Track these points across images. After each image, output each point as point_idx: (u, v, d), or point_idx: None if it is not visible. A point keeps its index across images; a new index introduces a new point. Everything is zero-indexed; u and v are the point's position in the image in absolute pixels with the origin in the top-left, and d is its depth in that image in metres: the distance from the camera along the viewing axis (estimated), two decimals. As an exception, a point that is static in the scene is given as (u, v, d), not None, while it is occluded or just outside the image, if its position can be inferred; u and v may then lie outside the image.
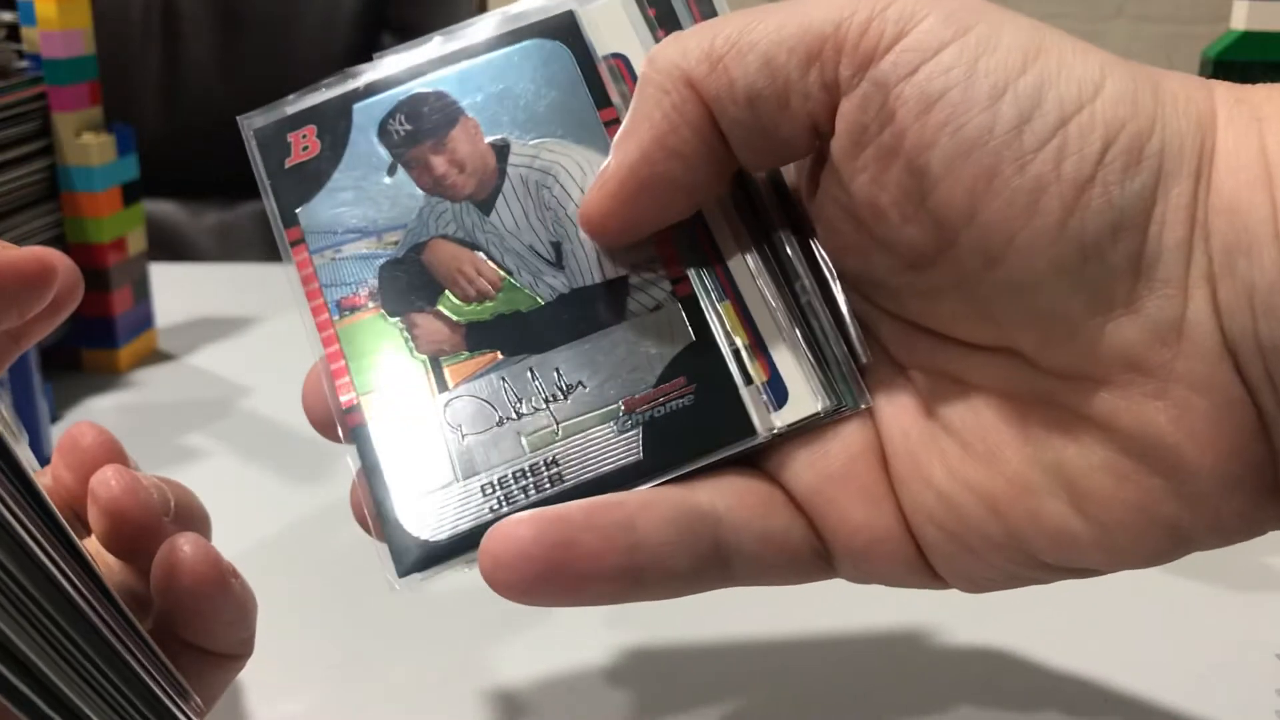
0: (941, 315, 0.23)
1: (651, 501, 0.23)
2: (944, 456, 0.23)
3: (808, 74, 0.22)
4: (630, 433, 0.24)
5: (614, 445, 0.24)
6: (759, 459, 0.25)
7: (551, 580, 0.22)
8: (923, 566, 0.24)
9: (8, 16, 0.56)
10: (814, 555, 0.24)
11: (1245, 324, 0.20)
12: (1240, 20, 0.97)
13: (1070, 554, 0.23)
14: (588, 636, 0.37)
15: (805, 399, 0.24)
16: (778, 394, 0.24)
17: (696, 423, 0.24)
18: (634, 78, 0.26)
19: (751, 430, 0.24)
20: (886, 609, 0.39)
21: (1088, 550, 0.22)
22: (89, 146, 0.58)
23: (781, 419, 0.24)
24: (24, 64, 0.57)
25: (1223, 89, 0.21)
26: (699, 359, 0.25)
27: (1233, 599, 0.40)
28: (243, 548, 0.42)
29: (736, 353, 0.25)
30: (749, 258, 0.25)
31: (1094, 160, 0.20)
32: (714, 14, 0.26)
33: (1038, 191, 0.20)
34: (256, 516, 0.45)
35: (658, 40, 0.26)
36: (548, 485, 0.24)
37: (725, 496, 0.24)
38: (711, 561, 0.23)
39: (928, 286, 0.23)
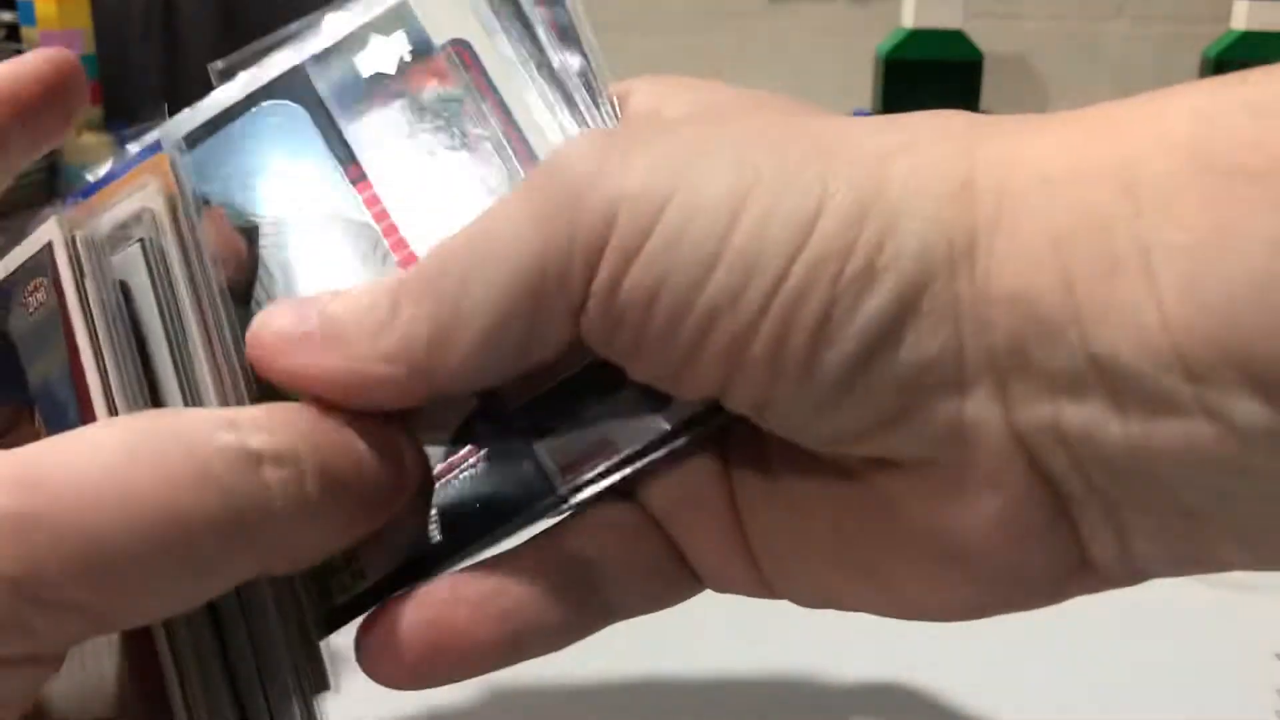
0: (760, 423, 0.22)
1: (518, 561, 0.22)
2: (774, 512, 0.23)
3: (534, 325, 0.20)
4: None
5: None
6: (627, 481, 0.24)
7: (430, 662, 0.22)
8: (769, 589, 0.24)
9: (7, 16, 0.56)
10: (684, 575, 0.24)
11: (1043, 417, 0.19)
12: (1240, 20, 0.97)
13: (871, 611, 0.23)
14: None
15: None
16: None
17: (492, 492, 0.23)
18: (478, 64, 0.24)
19: (552, 491, 0.23)
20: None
21: (887, 611, 0.23)
22: (88, 146, 0.58)
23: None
24: (24, 64, 0.57)
25: (989, 149, 0.19)
26: (486, 421, 0.23)
27: (1233, 599, 0.40)
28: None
29: (528, 406, 0.23)
30: None
31: (824, 299, 0.19)
32: None
33: (777, 348, 0.19)
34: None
35: (500, 20, 0.24)
36: (348, 582, 0.22)
37: (593, 535, 0.23)
38: (589, 606, 0.23)
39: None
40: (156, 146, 0.22)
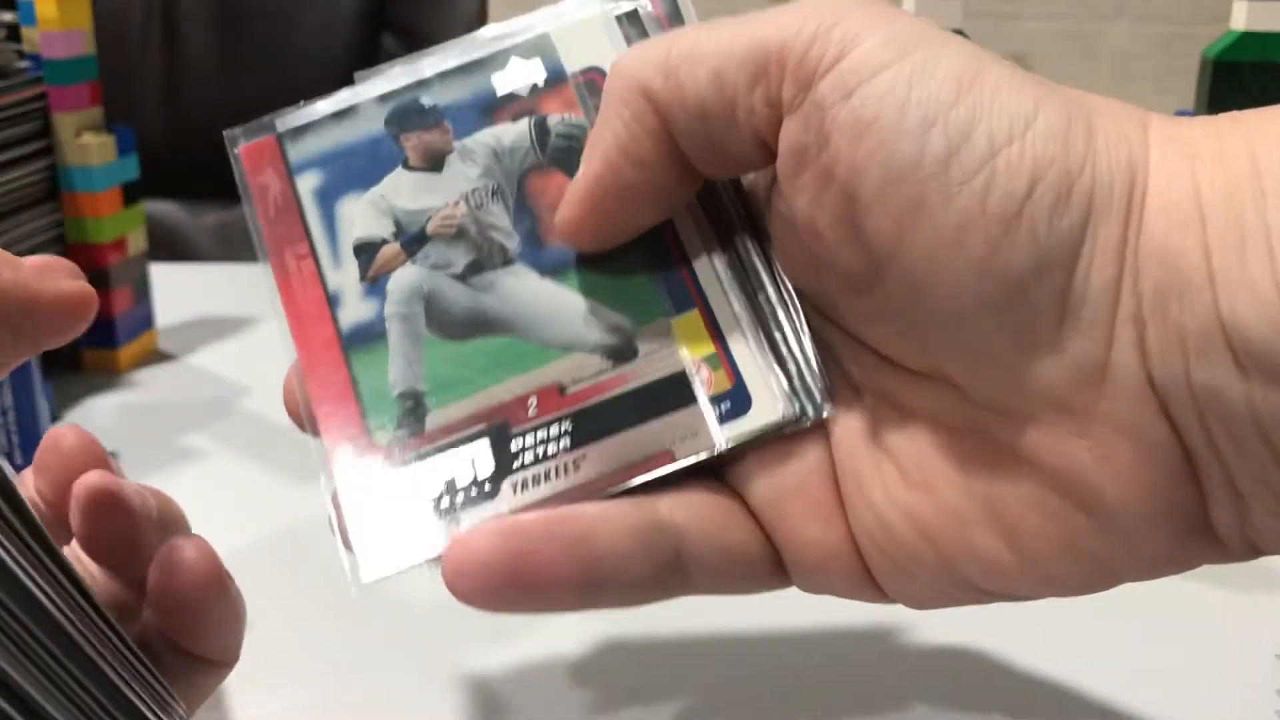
0: (881, 339, 0.23)
1: (610, 514, 0.23)
2: (884, 480, 0.24)
3: (754, 90, 0.22)
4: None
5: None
6: (722, 470, 0.25)
7: (511, 589, 0.22)
8: (870, 583, 0.24)
9: (8, 16, 0.56)
10: (770, 567, 0.25)
11: (1176, 369, 0.20)
12: (1240, 20, 0.97)
13: (1001, 582, 0.23)
14: (579, 632, 0.37)
15: (768, 407, 0.24)
16: (740, 403, 0.24)
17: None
18: None
19: (709, 442, 0.24)
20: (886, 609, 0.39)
21: (1018, 580, 0.23)
22: (89, 146, 0.58)
23: (742, 427, 0.24)
24: (24, 64, 0.57)
25: (1157, 125, 0.21)
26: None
27: (1233, 599, 0.40)
28: (242, 546, 0.42)
29: (701, 362, 0.25)
30: (717, 265, 0.25)
31: (1021, 197, 0.20)
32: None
33: (963, 226, 0.20)
34: (256, 516, 0.45)
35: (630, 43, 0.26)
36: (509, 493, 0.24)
37: (686, 508, 0.24)
38: (671, 571, 0.24)
39: (868, 309, 0.23)
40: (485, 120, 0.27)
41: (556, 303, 0.26)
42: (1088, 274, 0.20)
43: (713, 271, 0.25)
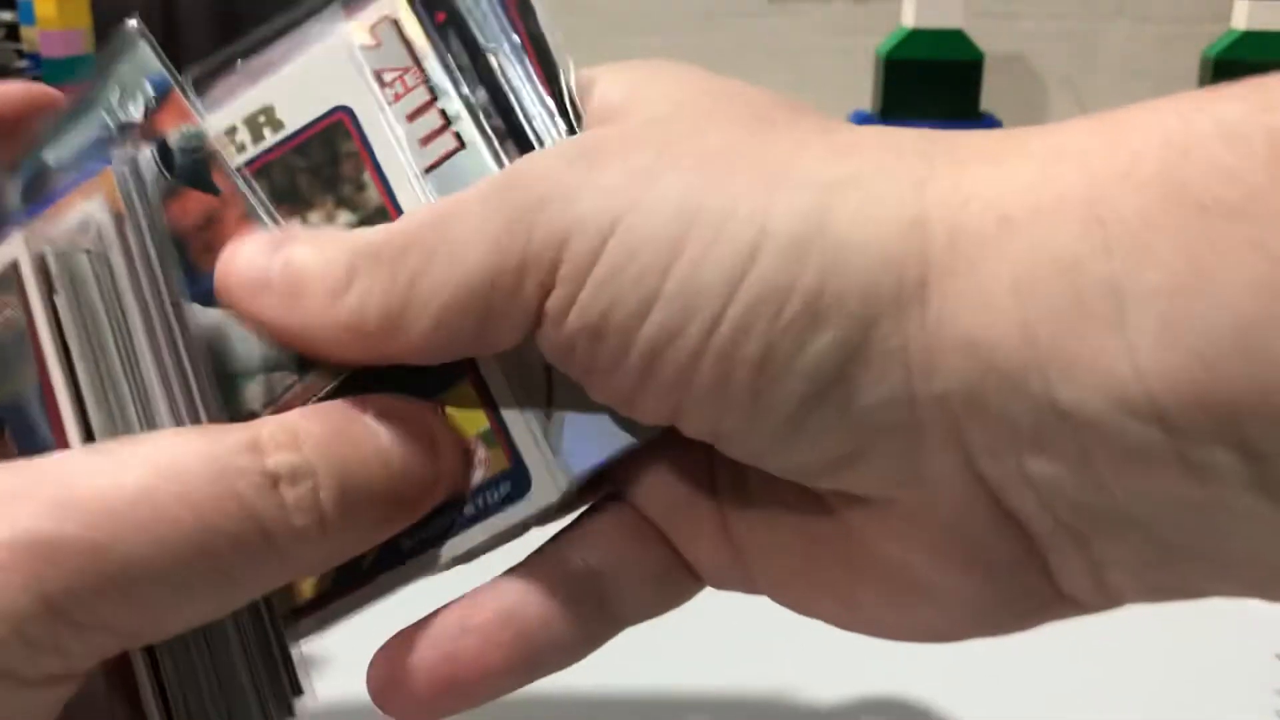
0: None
1: (525, 582, 0.23)
2: (750, 524, 0.23)
3: (484, 326, 0.20)
4: None
5: None
6: (619, 484, 0.24)
7: (445, 696, 0.22)
8: (757, 589, 0.24)
9: (7, 16, 0.56)
10: (686, 575, 0.24)
11: (1007, 465, 0.18)
12: (1241, 20, 0.97)
13: (840, 626, 0.23)
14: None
15: (549, 486, 0.23)
16: (521, 483, 0.23)
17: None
18: (361, 135, 0.23)
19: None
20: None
21: (859, 629, 0.22)
22: (88, 146, 0.58)
23: (520, 514, 0.23)
24: (23, 63, 0.57)
25: (941, 185, 0.18)
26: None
27: (1233, 599, 0.40)
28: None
29: (476, 440, 0.23)
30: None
31: (763, 336, 0.18)
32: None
33: (719, 385, 0.19)
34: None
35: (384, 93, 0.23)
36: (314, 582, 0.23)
37: (594, 544, 0.23)
38: (600, 617, 0.23)
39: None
40: (105, 161, 0.22)
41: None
42: (865, 388, 0.18)
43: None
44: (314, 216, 0.23)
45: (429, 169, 0.23)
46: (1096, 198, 0.17)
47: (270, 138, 0.24)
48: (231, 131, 0.24)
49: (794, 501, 0.22)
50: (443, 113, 0.23)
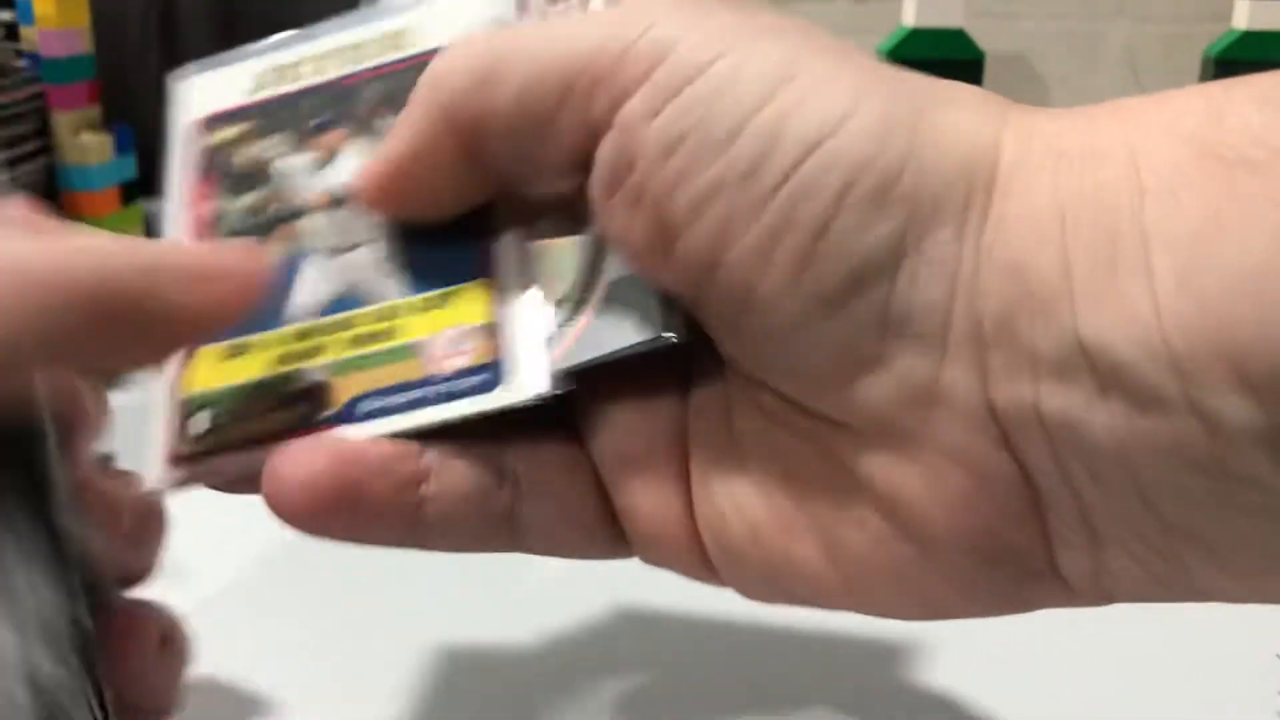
0: (726, 348, 0.22)
1: (452, 457, 0.23)
2: (727, 469, 0.22)
3: (563, 110, 0.21)
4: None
5: None
6: (576, 421, 0.24)
7: (333, 517, 0.22)
8: (706, 565, 0.23)
9: (6, 15, 0.56)
10: (609, 533, 0.24)
11: (1023, 396, 0.18)
12: (1242, 20, 0.97)
13: (822, 599, 0.22)
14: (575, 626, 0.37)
15: (517, 385, 0.23)
16: (496, 377, 0.23)
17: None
18: None
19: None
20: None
21: (840, 598, 0.22)
22: (87, 146, 0.58)
23: (479, 405, 0.23)
24: (22, 63, 0.57)
25: (1017, 119, 0.19)
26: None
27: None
28: (245, 550, 0.42)
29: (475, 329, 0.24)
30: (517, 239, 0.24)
31: (830, 203, 0.18)
32: None
33: (771, 240, 0.19)
34: (258, 517, 0.45)
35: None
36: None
37: (529, 460, 0.23)
38: (501, 525, 0.23)
39: (702, 317, 0.21)
40: None
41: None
42: (910, 289, 0.18)
43: (514, 244, 0.24)
44: None
45: None
46: (1140, 147, 0.18)
47: (397, 54, 0.26)
48: (358, 45, 0.27)
49: (783, 441, 0.22)
50: None
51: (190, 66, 0.28)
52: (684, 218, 0.20)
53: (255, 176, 0.26)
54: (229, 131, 0.27)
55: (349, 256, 0.25)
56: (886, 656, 0.37)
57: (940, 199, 0.18)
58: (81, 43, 0.58)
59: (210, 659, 0.36)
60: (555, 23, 0.22)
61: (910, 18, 0.99)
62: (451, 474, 0.23)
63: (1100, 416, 0.18)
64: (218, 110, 0.28)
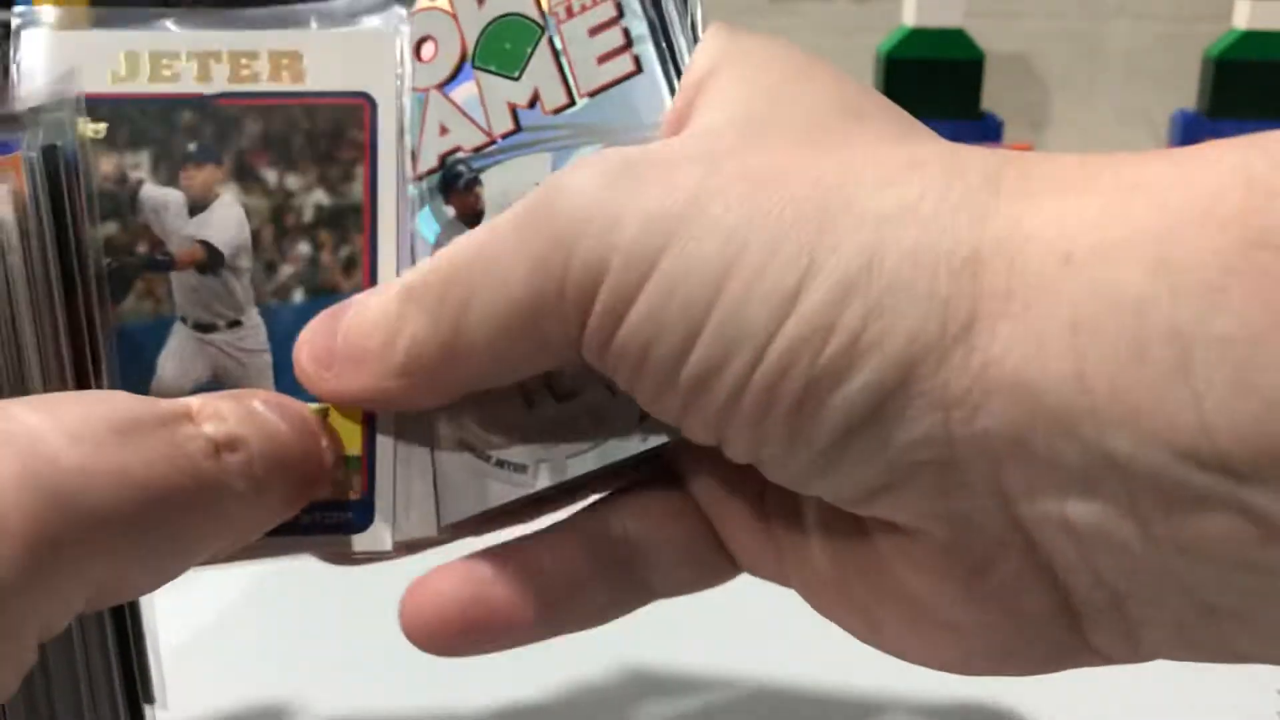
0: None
1: (561, 539, 0.23)
2: (787, 515, 0.23)
3: (538, 347, 0.20)
4: None
5: None
6: (674, 466, 0.24)
7: (469, 636, 0.22)
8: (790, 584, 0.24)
9: (6, 15, 0.56)
10: (722, 559, 0.24)
11: (1048, 511, 0.17)
12: (1242, 19, 0.97)
13: (862, 639, 0.23)
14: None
15: (382, 533, 0.23)
16: (364, 518, 0.23)
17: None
18: (373, 131, 0.23)
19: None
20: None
21: (876, 646, 0.22)
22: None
23: (356, 545, 0.23)
24: (23, 62, 0.57)
25: (1002, 221, 0.17)
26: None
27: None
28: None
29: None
30: None
31: (801, 378, 0.18)
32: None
33: (760, 421, 0.19)
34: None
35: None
36: None
37: (635, 515, 0.23)
38: (629, 586, 0.23)
39: None
40: (11, 147, 0.21)
41: None
42: (902, 427, 0.18)
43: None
44: (292, 180, 0.23)
45: (595, 92, 0.22)
46: (1168, 237, 0.16)
47: (287, 84, 0.23)
48: (251, 56, 0.23)
49: (832, 518, 0.22)
50: (626, 32, 0.22)
51: (45, 7, 0.24)
52: (677, 413, 0.20)
53: (117, 199, 0.23)
54: (88, 125, 0.23)
55: (218, 336, 0.23)
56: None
57: (913, 337, 0.17)
58: (82, 42, 0.58)
59: (216, 666, 0.36)
60: (476, 257, 0.20)
61: (910, 18, 0.99)
62: (565, 556, 0.23)
63: (1136, 526, 0.17)
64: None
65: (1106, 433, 0.16)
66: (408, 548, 0.23)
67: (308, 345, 0.22)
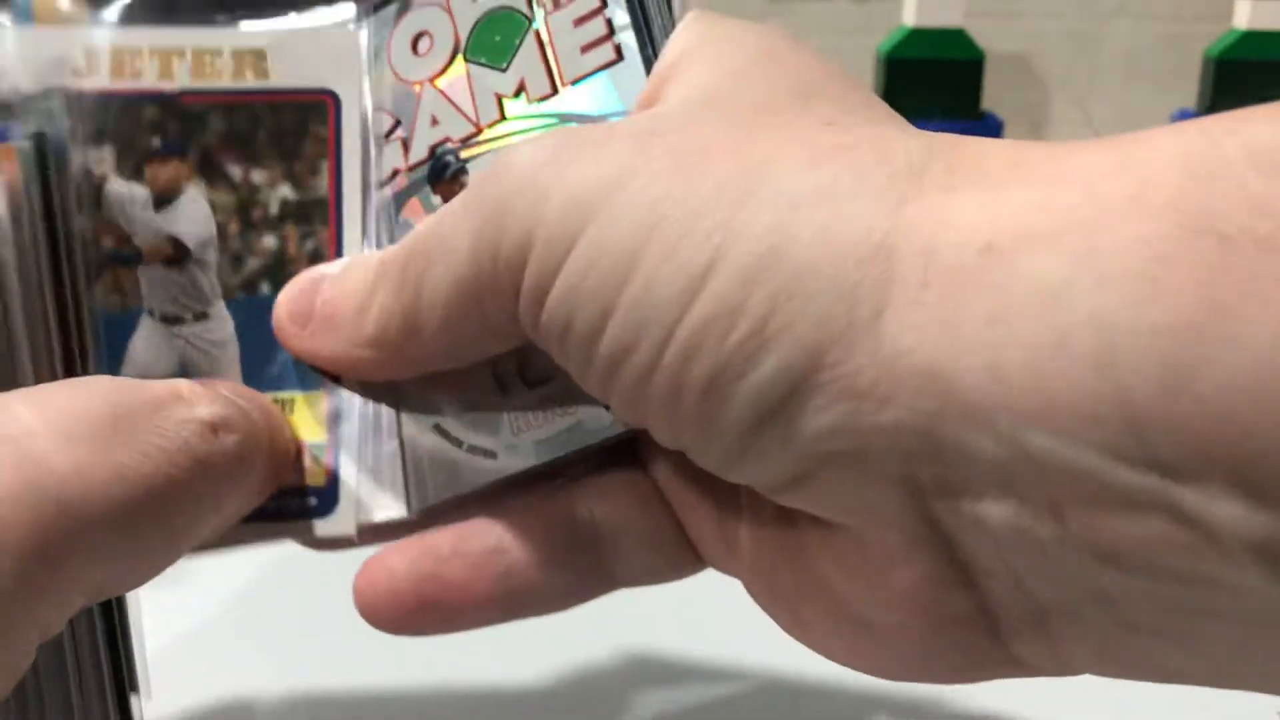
0: None
1: (525, 520, 0.22)
2: (737, 510, 0.23)
3: (485, 324, 0.21)
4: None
5: None
6: (640, 453, 0.24)
7: (422, 615, 0.22)
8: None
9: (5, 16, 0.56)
10: (687, 551, 0.23)
11: (962, 509, 0.17)
12: (1243, 19, 0.97)
13: (804, 644, 0.22)
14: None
15: (348, 514, 0.23)
16: (328, 503, 0.23)
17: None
18: (337, 126, 0.24)
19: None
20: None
21: (810, 647, 0.22)
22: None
23: (320, 530, 0.23)
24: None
25: (919, 207, 0.17)
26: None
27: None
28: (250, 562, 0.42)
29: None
30: None
31: (709, 361, 0.18)
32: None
33: (673, 405, 0.19)
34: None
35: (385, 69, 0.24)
36: None
37: (605, 500, 0.23)
38: (591, 572, 0.23)
39: None
40: (2, 135, 0.21)
41: None
42: (810, 416, 0.17)
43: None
44: (257, 175, 0.23)
45: (577, 80, 0.23)
46: (1095, 225, 0.15)
47: (251, 81, 0.23)
48: (215, 53, 0.23)
49: (761, 507, 0.21)
50: (609, 21, 0.23)
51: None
52: (600, 388, 0.20)
53: (82, 193, 0.23)
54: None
55: (185, 328, 0.23)
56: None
57: (821, 323, 0.17)
58: (80, 42, 0.58)
59: (212, 665, 0.36)
60: (431, 232, 0.21)
61: (910, 18, 0.99)
62: (528, 537, 0.22)
63: (1054, 526, 0.16)
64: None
65: (1023, 427, 0.15)
66: (376, 533, 0.23)
67: (289, 302, 0.23)
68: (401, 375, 0.22)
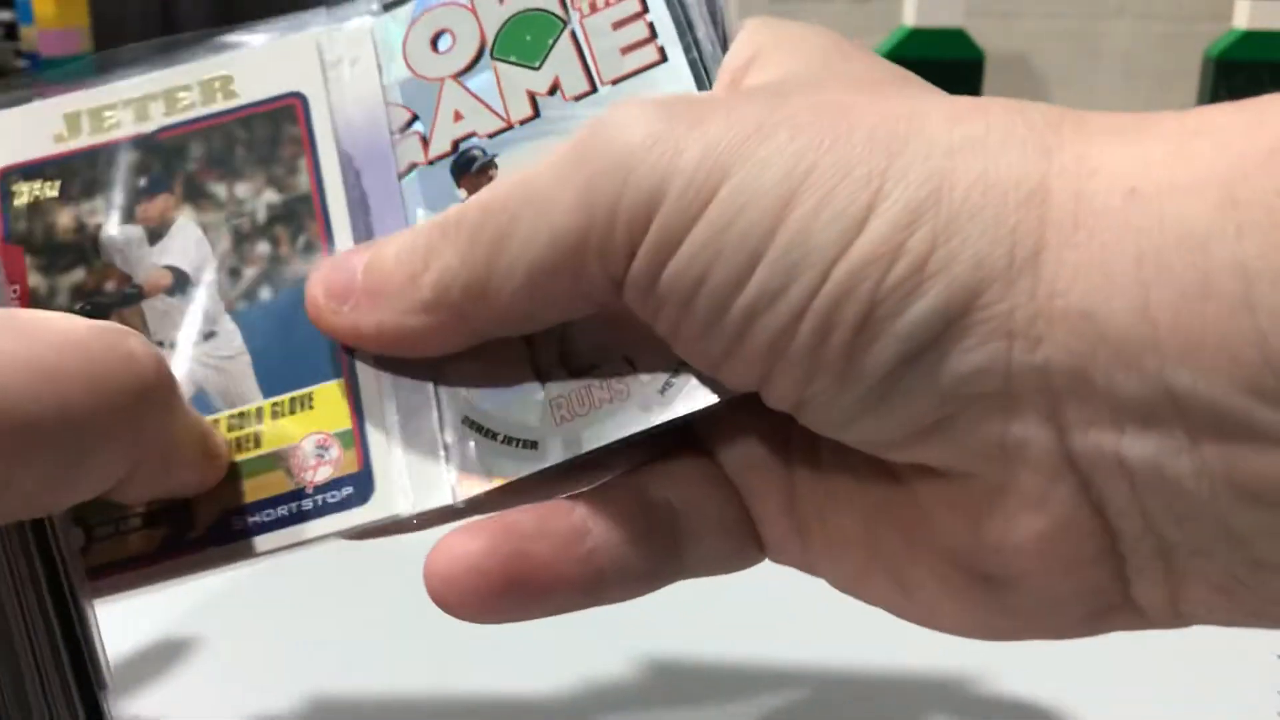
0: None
1: (604, 502, 0.22)
2: (816, 481, 0.23)
3: (578, 284, 0.20)
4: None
5: None
6: (703, 437, 0.23)
7: (508, 596, 0.21)
8: (811, 567, 0.23)
9: (6, 15, 0.56)
10: (754, 539, 0.23)
11: (1104, 445, 0.17)
12: (1242, 19, 0.97)
13: (890, 610, 0.22)
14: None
15: (386, 500, 0.22)
16: (363, 490, 0.22)
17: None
18: (308, 123, 0.24)
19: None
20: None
21: (906, 615, 0.22)
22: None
23: (351, 520, 0.22)
24: (21, 63, 0.57)
25: (1067, 155, 0.18)
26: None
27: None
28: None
29: (332, 437, 0.23)
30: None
31: (867, 301, 0.18)
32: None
33: (815, 350, 0.18)
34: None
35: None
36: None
37: (677, 485, 0.23)
38: (667, 556, 0.22)
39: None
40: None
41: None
42: (961, 355, 0.18)
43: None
44: (241, 188, 0.23)
45: (619, 79, 0.23)
46: (1234, 176, 0.16)
47: (221, 104, 0.24)
48: (185, 89, 0.24)
49: (865, 471, 0.21)
50: (650, 25, 0.23)
51: None
52: (723, 350, 0.19)
53: (80, 247, 0.23)
54: (36, 189, 0.24)
55: (195, 350, 0.23)
56: (885, 648, 0.37)
57: (981, 264, 0.17)
58: (81, 42, 0.58)
59: (209, 662, 0.36)
60: (518, 191, 0.20)
61: (910, 18, 0.99)
62: (609, 518, 0.22)
63: (1191, 462, 0.17)
64: (19, 161, 0.24)
65: (1168, 366, 0.16)
66: (421, 521, 0.22)
67: (324, 280, 0.22)
68: (452, 347, 0.22)
